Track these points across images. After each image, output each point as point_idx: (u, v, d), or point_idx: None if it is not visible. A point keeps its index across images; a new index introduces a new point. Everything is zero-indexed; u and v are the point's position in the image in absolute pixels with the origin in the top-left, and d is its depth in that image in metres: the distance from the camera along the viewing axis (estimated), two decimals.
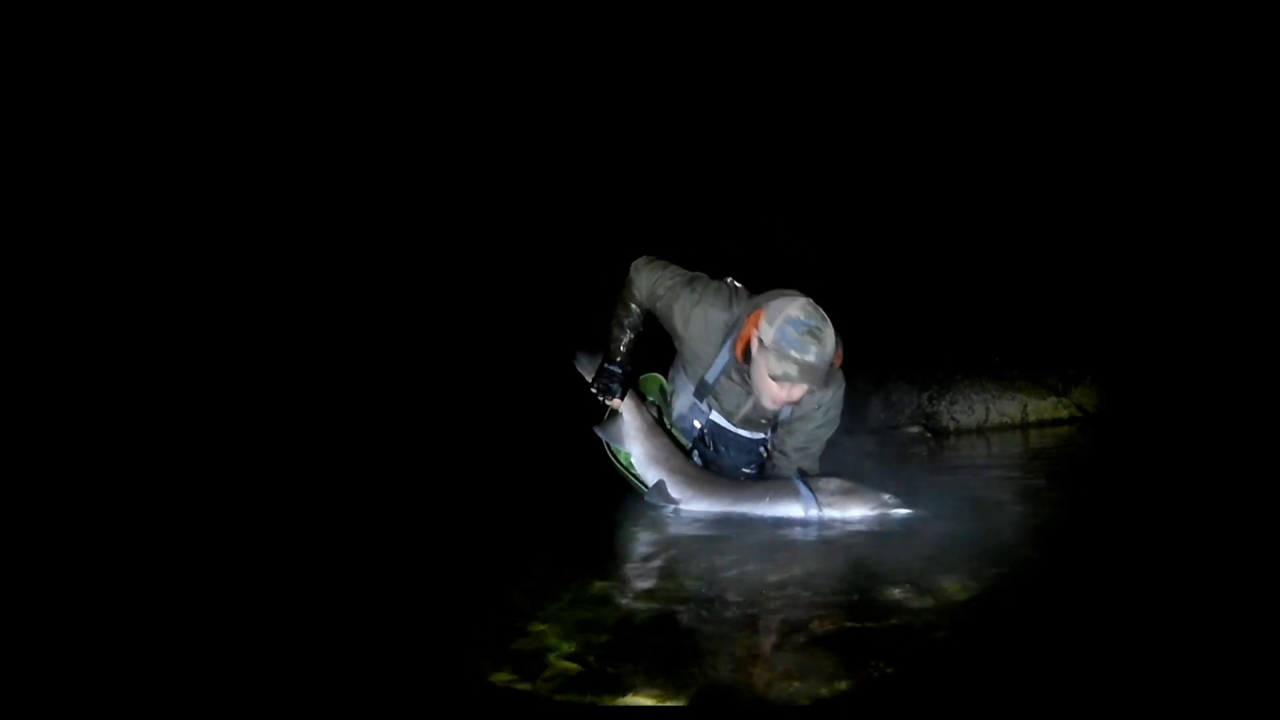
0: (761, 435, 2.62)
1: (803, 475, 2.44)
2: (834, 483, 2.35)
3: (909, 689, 1.17)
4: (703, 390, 2.55)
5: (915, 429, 4.54)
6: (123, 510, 2.85)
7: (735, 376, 2.46)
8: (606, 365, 2.61)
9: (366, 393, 5.09)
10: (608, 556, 2.11)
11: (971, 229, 6.25)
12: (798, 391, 2.25)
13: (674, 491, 2.52)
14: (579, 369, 2.76)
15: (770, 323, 2.22)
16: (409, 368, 5.42)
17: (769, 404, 2.33)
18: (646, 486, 2.62)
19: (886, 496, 2.28)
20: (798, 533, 2.19)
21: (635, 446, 2.62)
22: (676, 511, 2.52)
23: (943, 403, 4.83)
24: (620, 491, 2.77)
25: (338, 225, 5.87)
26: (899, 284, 6.04)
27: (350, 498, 3.13)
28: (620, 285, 2.64)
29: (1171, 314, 5.49)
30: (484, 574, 1.95)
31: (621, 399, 2.62)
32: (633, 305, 2.61)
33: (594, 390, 2.62)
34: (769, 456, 2.66)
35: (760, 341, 2.25)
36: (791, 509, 2.32)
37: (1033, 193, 6.32)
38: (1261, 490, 2.57)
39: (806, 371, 2.17)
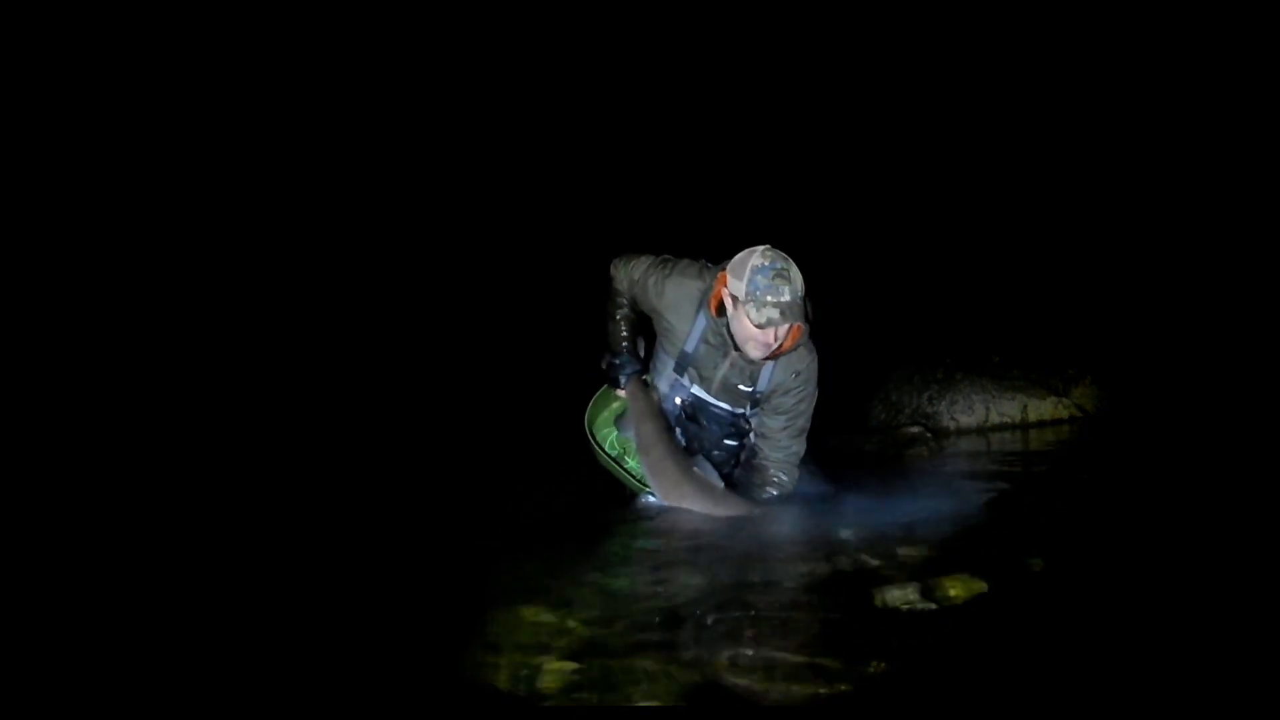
0: (741, 410, 2.66)
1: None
2: None
3: (909, 689, 1.17)
4: (683, 363, 2.64)
5: (915, 429, 4.52)
6: (123, 510, 2.85)
7: (713, 340, 2.54)
8: (612, 359, 2.75)
9: (365, 393, 5.08)
10: (605, 557, 2.10)
11: (972, 229, 6.25)
12: (783, 332, 2.34)
13: (653, 483, 2.55)
14: (603, 367, 2.85)
15: (739, 277, 2.32)
16: (407, 368, 5.42)
17: (756, 353, 2.40)
18: (635, 480, 2.65)
19: None
20: (797, 532, 2.19)
21: (636, 440, 2.66)
22: (675, 511, 2.52)
23: (943, 403, 4.82)
24: (617, 492, 2.77)
25: (336, 226, 5.87)
26: (899, 284, 6.04)
27: (347, 498, 3.13)
28: (605, 291, 2.81)
29: (1170, 314, 5.48)
30: (481, 575, 1.94)
31: (625, 387, 2.71)
32: (619, 299, 2.76)
33: (611, 386, 2.75)
34: (751, 434, 2.70)
35: (734, 299, 2.35)
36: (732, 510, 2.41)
37: (1033, 192, 6.33)
38: (1261, 490, 2.57)
39: (788, 310, 2.27)
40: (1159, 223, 5.95)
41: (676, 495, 2.50)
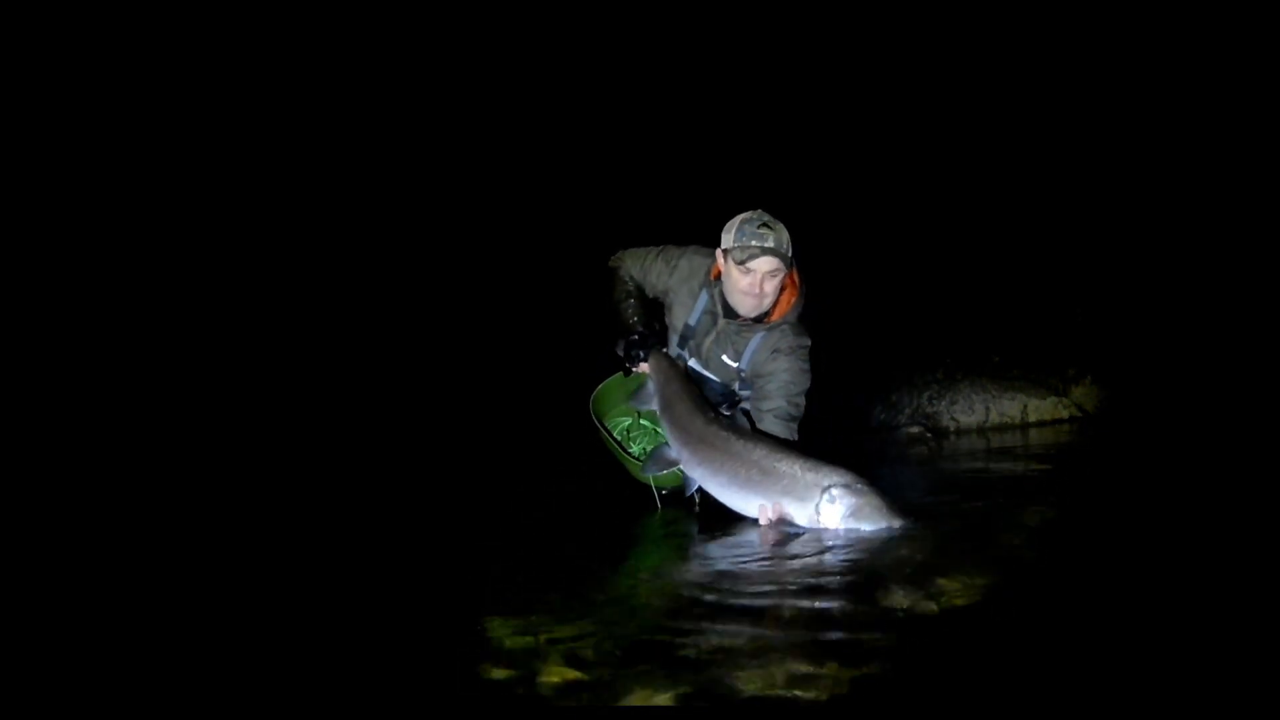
0: (730, 384, 2.68)
1: (814, 469, 2.19)
2: (844, 493, 2.11)
3: (909, 689, 1.17)
4: (685, 338, 2.73)
5: (915, 429, 4.54)
6: (123, 510, 2.85)
7: (710, 309, 2.65)
8: (630, 336, 2.77)
9: (364, 393, 5.08)
10: (605, 557, 2.10)
11: (971, 229, 6.25)
12: (770, 284, 2.45)
13: (680, 451, 2.44)
14: (619, 352, 2.81)
15: (728, 232, 2.49)
16: (406, 367, 5.42)
17: (745, 308, 2.50)
18: (639, 463, 2.61)
19: (896, 523, 2.08)
20: (798, 532, 2.19)
21: (659, 402, 2.62)
22: (674, 510, 2.52)
23: (943, 403, 4.83)
24: (617, 492, 2.77)
25: (334, 224, 5.88)
26: (899, 284, 6.03)
27: (348, 499, 3.13)
28: (608, 280, 2.86)
29: (1170, 313, 5.48)
30: (481, 575, 1.94)
31: (646, 360, 2.71)
32: (626, 285, 2.83)
33: (628, 365, 2.76)
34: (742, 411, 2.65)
35: (725, 253, 2.50)
36: (794, 511, 2.16)
37: (1032, 192, 6.32)
38: (1261, 489, 2.57)
39: (770, 250, 2.40)
40: (1158, 223, 5.95)
41: (727, 454, 2.30)
